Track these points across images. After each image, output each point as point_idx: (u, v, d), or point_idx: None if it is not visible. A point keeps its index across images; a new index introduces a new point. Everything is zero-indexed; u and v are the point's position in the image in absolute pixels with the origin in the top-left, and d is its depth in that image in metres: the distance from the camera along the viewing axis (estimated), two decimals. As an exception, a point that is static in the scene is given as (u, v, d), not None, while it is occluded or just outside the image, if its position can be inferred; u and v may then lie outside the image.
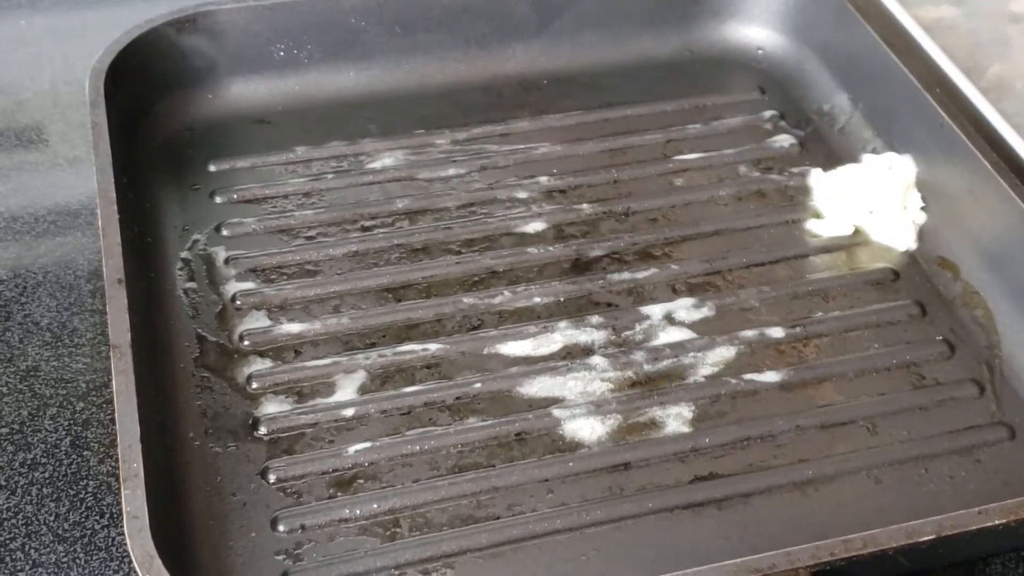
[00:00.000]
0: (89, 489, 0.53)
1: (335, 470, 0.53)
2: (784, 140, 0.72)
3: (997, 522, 0.48)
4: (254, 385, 0.56)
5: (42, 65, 0.76)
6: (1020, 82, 0.72)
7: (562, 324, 0.60)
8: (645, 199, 0.67)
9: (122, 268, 0.54)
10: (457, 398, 0.57)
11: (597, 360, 0.58)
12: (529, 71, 0.75)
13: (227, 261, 0.62)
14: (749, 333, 0.60)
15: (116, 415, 0.49)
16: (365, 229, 0.65)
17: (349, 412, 0.56)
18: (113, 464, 0.53)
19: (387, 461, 0.54)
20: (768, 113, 0.73)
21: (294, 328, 0.59)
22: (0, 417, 0.56)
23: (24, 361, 0.58)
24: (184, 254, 0.62)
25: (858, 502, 0.53)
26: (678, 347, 0.59)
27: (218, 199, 0.66)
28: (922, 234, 0.65)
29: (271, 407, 0.55)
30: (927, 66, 0.71)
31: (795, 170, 0.70)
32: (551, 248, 0.64)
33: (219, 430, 0.54)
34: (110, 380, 0.51)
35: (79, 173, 0.68)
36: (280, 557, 0.50)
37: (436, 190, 0.67)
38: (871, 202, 0.65)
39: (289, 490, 0.52)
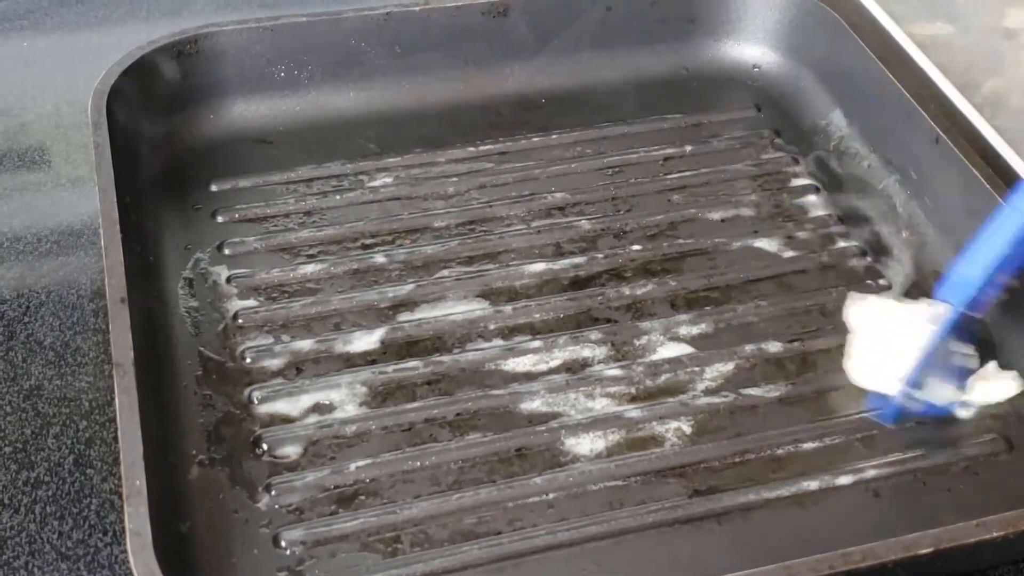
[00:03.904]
0: (92, 507, 0.53)
1: (336, 487, 0.54)
2: (780, 157, 0.72)
3: (996, 535, 0.48)
4: (256, 402, 0.57)
5: (45, 86, 0.76)
6: (1015, 98, 0.73)
7: (562, 340, 0.60)
8: (643, 215, 0.68)
9: (125, 287, 0.55)
10: (458, 414, 0.57)
11: (596, 375, 0.59)
12: (527, 90, 0.75)
13: (229, 280, 0.63)
14: (747, 348, 0.60)
15: (119, 433, 0.49)
16: (366, 247, 0.65)
17: (350, 429, 0.56)
18: (116, 482, 0.54)
19: (388, 477, 0.54)
20: (764, 130, 0.74)
21: (296, 346, 0.59)
22: (4, 436, 0.56)
23: (27, 380, 0.59)
24: (186, 273, 0.63)
25: (857, 515, 0.53)
26: (677, 362, 0.59)
27: (220, 218, 0.66)
28: (919, 249, 0.65)
29: (273, 424, 0.56)
30: (922, 83, 0.71)
31: (791, 186, 0.70)
32: (550, 264, 0.65)
33: (221, 447, 0.55)
34: (113, 399, 0.51)
35: (82, 193, 0.69)
36: (282, 574, 0.50)
37: (436, 208, 0.68)
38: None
39: (291, 507, 0.53)
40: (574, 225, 0.67)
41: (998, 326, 0.61)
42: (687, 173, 0.71)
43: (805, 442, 0.56)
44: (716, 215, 0.68)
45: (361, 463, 0.54)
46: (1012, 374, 0.59)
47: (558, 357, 0.60)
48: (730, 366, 0.59)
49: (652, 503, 0.53)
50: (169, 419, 0.55)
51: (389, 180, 0.69)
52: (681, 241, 0.66)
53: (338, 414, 0.56)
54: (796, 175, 0.71)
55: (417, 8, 0.73)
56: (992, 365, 0.59)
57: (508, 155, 0.72)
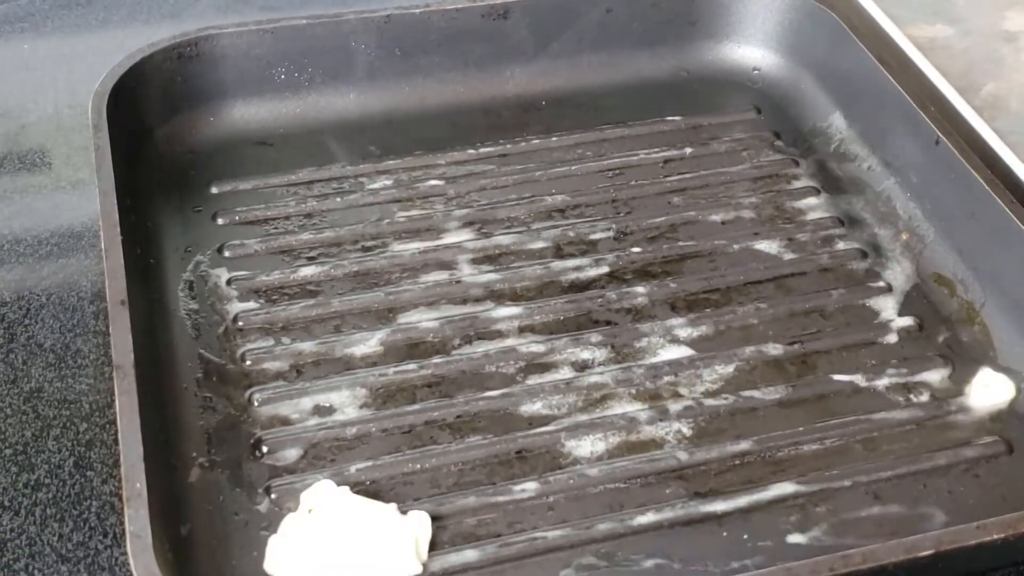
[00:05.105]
0: (92, 509, 0.53)
1: (337, 489, 0.54)
2: (780, 159, 0.72)
3: (996, 536, 0.48)
4: (256, 404, 0.57)
5: (45, 89, 0.76)
6: (1014, 100, 0.73)
7: (562, 342, 0.60)
8: (643, 218, 0.68)
9: (125, 289, 0.55)
10: (458, 416, 0.57)
11: (597, 378, 0.59)
12: (528, 92, 0.76)
13: (229, 282, 0.63)
14: (748, 350, 0.60)
15: (119, 435, 0.49)
16: (366, 249, 0.65)
17: (351, 431, 0.56)
18: (116, 484, 0.54)
19: (388, 479, 0.54)
20: (764, 133, 0.74)
21: (296, 348, 0.59)
22: (4, 438, 0.56)
23: (28, 382, 0.59)
24: (186, 275, 0.63)
25: (857, 518, 0.53)
26: (677, 364, 0.59)
27: (220, 221, 0.66)
28: (919, 251, 0.66)
29: (273, 426, 0.56)
30: (922, 85, 0.71)
31: (791, 188, 0.70)
32: (551, 266, 0.65)
33: (221, 449, 0.55)
34: (113, 401, 0.51)
35: (82, 196, 0.69)
36: None
37: (436, 211, 0.68)
38: None
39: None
40: (574, 227, 0.67)
41: (995, 329, 0.61)
42: (687, 175, 0.71)
43: (805, 444, 0.56)
44: (716, 217, 0.68)
45: (361, 465, 0.54)
46: (1006, 377, 0.59)
47: (559, 359, 0.60)
48: (730, 368, 0.59)
49: (652, 505, 0.53)
50: (169, 421, 0.55)
51: (389, 182, 0.69)
52: (681, 243, 0.67)
53: (338, 416, 0.57)
54: (796, 177, 0.71)
55: (417, 10, 0.73)
56: (987, 370, 0.59)
57: (508, 157, 0.72)
